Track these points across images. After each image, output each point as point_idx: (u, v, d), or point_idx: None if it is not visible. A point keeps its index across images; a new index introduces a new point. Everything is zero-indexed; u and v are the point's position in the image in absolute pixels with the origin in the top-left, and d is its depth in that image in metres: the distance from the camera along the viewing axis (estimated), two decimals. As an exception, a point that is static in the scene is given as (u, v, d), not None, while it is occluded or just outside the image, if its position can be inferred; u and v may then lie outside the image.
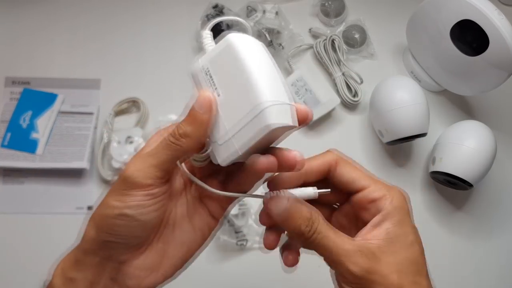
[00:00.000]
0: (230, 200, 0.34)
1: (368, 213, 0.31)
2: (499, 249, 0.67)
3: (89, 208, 0.63)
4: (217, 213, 0.34)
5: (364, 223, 0.31)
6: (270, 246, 0.33)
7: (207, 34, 0.32)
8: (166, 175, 0.30)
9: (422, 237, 0.67)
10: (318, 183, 0.32)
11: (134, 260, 0.31)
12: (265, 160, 0.27)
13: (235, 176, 0.32)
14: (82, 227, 0.31)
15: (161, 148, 0.29)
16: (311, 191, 0.31)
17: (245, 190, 0.32)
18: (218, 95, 0.29)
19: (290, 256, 0.33)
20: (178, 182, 0.33)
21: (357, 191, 0.32)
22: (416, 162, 0.69)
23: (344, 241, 0.29)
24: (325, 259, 0.29)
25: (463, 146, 0.61)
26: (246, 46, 0.29)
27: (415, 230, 0.31)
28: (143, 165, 0.29)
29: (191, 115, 0.28)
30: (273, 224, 0.32)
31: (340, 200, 0.35)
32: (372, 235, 0.29)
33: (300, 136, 0.68)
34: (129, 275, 0.31)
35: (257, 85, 0.27)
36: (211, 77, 0.29)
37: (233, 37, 0.29)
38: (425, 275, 0.29)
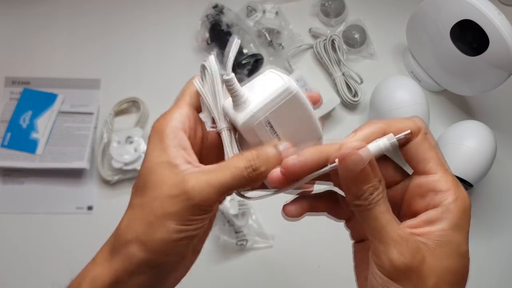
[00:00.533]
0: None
1: (422, 202, 0.27)
2: (499, 249, 0.67)
3: (89, 208, 0.63)
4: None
5: (411, 211, 0.28)
6: (295, 215, 0.30)
7: (233, 79, 0.29)
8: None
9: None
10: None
11: (173, 273, 0.29)
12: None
13: None
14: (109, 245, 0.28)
15: (232, 173, 0.26)
16: (386, 142, 0.27)
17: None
18: (279, 139, 0.29)
19: (293, 207, 0.30)
20: None
21: (422, 173, 0.27)
22: (416, 162, 0.69)
23: (396, 225, 0.25)
24: (368, 233, 0.26)
25: (463, 146, 0.61)
26: (300, 90, 0.29)
27: (468, 243, 0.27)
28: (208, 186, 0.26)
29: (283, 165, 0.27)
30: (285, 184, 0.28)
31: (396, 178, 0.29)
32: (423, 231, 0.26)
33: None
34: (163, 287, 0.29)
35: (317, 123, 0.31)
36: (272, 127, 0.29)
37: (294, 87, 0.28)
38: None
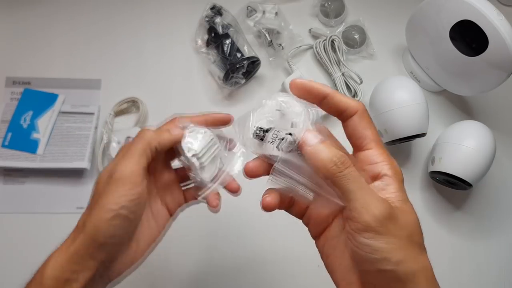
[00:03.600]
0: (186, 201, 0.40)
1: (365, 174, 0.32)
2: (499, 249, 0.67)
3: (90, 208, 0.63)
4: (173, 208, 0.39)
5: None
6: (269, 207, 0.33)
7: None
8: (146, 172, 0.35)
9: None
10: None
11: (120, 256, 0.34)
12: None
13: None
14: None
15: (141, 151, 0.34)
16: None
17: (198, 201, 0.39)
18: None
19: (268, 197, 0.33)
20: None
21: (360, 149, 0.33)
22: (415, 162, 0.69)
23: (370, 188, 0.30)
24: (346, 198, 0.29)
25: (463, 146, 0.61)
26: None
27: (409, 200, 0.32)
28: (131, 166, 0.33)
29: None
30: (260, 173, 0.34)
31: None
32: (383, 195, 0.30)
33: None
34: (114, 270, 0.35)
35: None
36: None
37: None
38: (422, 238, 0.31)
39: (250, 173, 0.34)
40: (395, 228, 0.29)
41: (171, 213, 0.39)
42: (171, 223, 0.39)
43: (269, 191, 0.34)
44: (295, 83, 0.33)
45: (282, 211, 0.36)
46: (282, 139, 0.31)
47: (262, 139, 0.32)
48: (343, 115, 0.33)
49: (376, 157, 0.32)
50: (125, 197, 0.32)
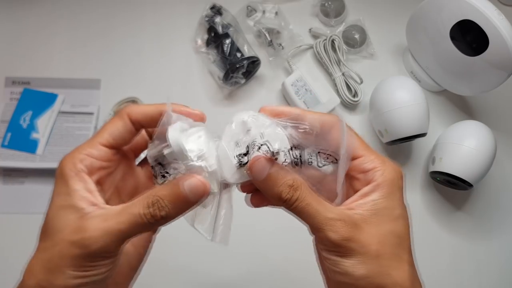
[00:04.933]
0: None
1: (359, 183, 0.30)
2: (499, 249, 0.67)
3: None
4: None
5: (355, 193, 0.30)
6: (256, 205, 0.33)
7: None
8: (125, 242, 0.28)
9: (422, 237, 0.67)
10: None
11: None
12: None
13: None
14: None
15: (130, 221, 0.27)
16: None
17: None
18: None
19: (254, 200, 0.32)
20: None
21: (352, 158, 0.31)
22: (416, 162, 0.69)
23: (326, 209, 0.28)
24: (308, 226, 0.29)
25: (463, 146, 0.61)
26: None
27: (403, 206, 0.30)
28: (105, 234, 0.26)
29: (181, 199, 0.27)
30: (254, 190, 0.32)
31: None
32: (357, 205, 0.29)
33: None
34: None
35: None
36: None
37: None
38: (407, 250, 0.29)
39: (256, 205, 0.33)
40: (357, 246, 0.27)
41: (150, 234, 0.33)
42: (152, 244, 0.34)
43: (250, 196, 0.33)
44: (264, 110, 0.31)
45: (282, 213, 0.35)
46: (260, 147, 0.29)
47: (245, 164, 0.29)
48: (322, 131, 0.31)
49: (368, 164, 0.30)
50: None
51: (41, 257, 0.28)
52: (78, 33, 0.72)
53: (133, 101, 0.67)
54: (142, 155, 0.34)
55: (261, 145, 0.29)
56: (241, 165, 0.29)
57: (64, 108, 0.66)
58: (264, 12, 0.71)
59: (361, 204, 0.29)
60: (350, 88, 0.70)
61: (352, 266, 0.27)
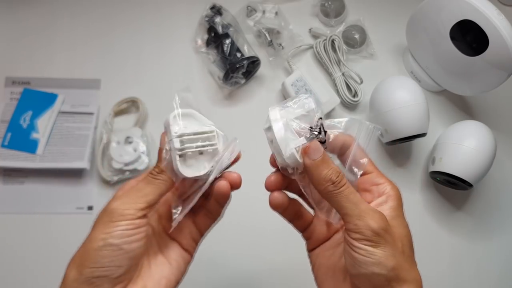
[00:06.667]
0: (202, 233, 0.38)
1: (370, 195, 0.34)
2: (499, 249, 0.67)
3: (89, 208, 0.63)
4: (190, 246, 0.37)
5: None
6: (271, 187, 0.36)
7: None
8: (147, 208, 0.32)
9: (422, 237, 0.67)
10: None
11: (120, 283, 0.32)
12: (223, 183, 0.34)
13: (202, 209, 0.37)
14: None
15: (143, 184, 0.33)
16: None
17: (215, 217, 0.37)
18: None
19: (278, 196, 0.36)
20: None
21: (364, 174, 0.35)
22: (416, 162, 0.69)
23: (365, 202, 0.31)
24: (344, 214, 0.31)
25: (463, 146, 0.61)
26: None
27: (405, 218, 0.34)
28: (126, 198, 0.32)
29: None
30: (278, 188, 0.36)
31: None
32: (380, 209, 0.32)
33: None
34: None
35: None
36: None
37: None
38: (414, 254, 0.33)
39: (271, 187, 0.35)
40: (390, 239, 0.30)
41: (190, 253, 0.37)
42: (192, 260, 0.38)
43: (273, 173, 0.36)
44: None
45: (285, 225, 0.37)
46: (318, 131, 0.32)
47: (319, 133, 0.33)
48: (341, 150, 0.35)
49: (378, 179, 0.35)
50: (118, 227, 0.31)
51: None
52: (78, 33, 0.72)
53: (133, 101, 0.67)
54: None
55: (320, 130, 0.32)
56: (310, 138, 0.32)
57: (64, 108, 0.66)
58: (264, 12, 0.71)
59: (382, 210, 0.32)
60: (350, 88, 0.70)
61: (385, 256, 0.30)
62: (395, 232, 0.31)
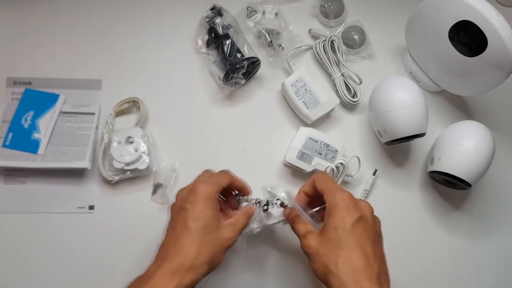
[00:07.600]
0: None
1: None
2: (498, 249, 0.67)
3: (91, 207, 0.63)
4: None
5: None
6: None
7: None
8: None
9: (420, 236, 0.68)
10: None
11: None
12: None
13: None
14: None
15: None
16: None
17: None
18: None
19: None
20: None
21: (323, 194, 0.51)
22: (414, 162, 0.70)
23: (304, 229, 0.50)
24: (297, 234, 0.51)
25: (462, 146, 0.61)
26: None
27: (342, 218, 0.47)
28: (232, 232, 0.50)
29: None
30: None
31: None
32: (323, 224, 0.49)
33: (299, 136, 0.68)
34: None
35: None
36: None
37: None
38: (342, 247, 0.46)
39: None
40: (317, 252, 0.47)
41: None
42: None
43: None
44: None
45: None
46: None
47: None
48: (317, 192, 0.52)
49: (325, 195, 0.50)
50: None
51: (204, 244, 0.46)
52: (79, 33, 0.72)
53: (134, 101, 0.67)
54: None
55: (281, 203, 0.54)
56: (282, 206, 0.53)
57: (65, 108, 0.66)
58: (264, 13, 0.72)
59: (324, 223, 0.49)
60: (349, 88, 0.70)
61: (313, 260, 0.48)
62: (322, 241, 0.47)
